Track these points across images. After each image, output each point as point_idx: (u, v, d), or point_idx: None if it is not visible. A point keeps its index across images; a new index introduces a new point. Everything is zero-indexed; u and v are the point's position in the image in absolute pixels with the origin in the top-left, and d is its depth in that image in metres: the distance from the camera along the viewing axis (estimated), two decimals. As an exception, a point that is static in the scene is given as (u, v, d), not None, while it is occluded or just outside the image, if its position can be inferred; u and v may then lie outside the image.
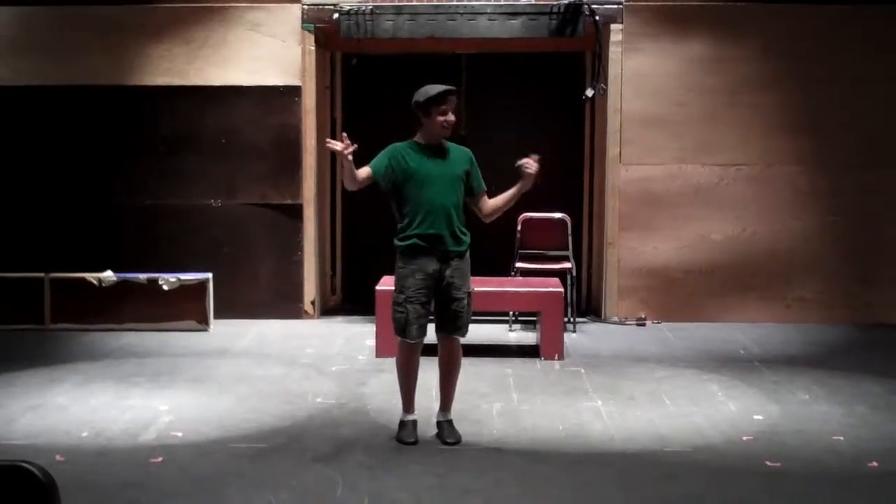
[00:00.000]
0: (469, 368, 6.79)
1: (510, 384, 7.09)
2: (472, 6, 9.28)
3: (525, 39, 9.41)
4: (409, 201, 5.64)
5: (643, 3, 9.30)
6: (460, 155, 5.78)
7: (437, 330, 5.77)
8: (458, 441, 5.72)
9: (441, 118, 5.63)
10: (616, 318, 9.26)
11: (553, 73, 10.21)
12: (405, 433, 5.77)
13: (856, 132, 9.22)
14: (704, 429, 6.12)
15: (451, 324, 5.70)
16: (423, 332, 5.71)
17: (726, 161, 9.32)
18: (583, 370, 7.49)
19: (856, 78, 9.22)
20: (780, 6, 9.23)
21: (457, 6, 9.28)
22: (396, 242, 5.69)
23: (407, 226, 5.65)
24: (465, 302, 5.69)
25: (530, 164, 5.66)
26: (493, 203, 5.82)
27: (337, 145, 5.53)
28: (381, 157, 5.72)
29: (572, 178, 9.98)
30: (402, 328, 5.67)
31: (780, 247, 9.28)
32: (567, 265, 8.94)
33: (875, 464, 5.52)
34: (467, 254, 5.75)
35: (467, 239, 5.73)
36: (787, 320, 9.15)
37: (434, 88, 5.64)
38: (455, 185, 5.69)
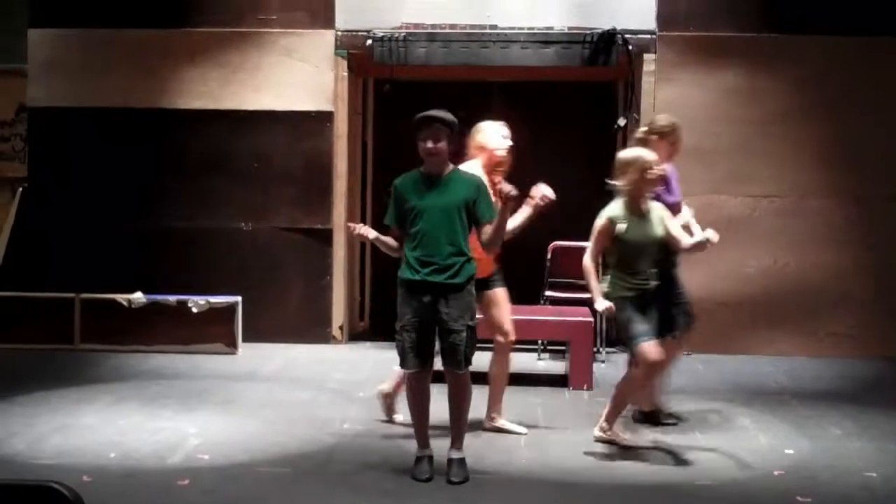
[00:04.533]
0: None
1: (538, 413, 7.04)
2: (506, 34, 9.30)
3: (558, 68, 9.42)
4: (407, 232, 5.60)
5: (676, 34, 9.29)
6: (465, 185, 5.61)
7: (442, 363, 5.63)
8: (463, 480, 5.51)
9: (422, 144, 5.55)
10: (646, 349, 9.19)
11: (585, 103, 10.20)
12: (418, 470, 5.61)
13: (890, 164, 9.14)
14: (734, 462, 6.06)
15: (450, 357, 5.55)
16: (423, 363, 5.57)
17: (759, 192, 9.26)
18: (603, 399, 7.42)
19: (891, 110, 9.15)
20: (815, 37, 9.19)
21: (490, 34, 9.30)
22: (400, 269, 5.66)
23: (405, 256, 5.60)
24: (464, 335, 5.50)
25: (537, 198, 5.61)
26: (485, 231, 5.59)
27: (363, 230, 5.69)
28: (390, 210, 5.72)
29: (604, 207, 9.91)
30: (402, 357, 5.62)
31: (812, 279, 9.20)
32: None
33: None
34: (467, 286, 5.56)
35: (466, 271, 5.54)
36: (819, 354, 9.04)
37: (421, 114, 5.58)
38: (451, 217, 5.51)
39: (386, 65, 9.35)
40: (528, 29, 9.33)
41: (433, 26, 9.37)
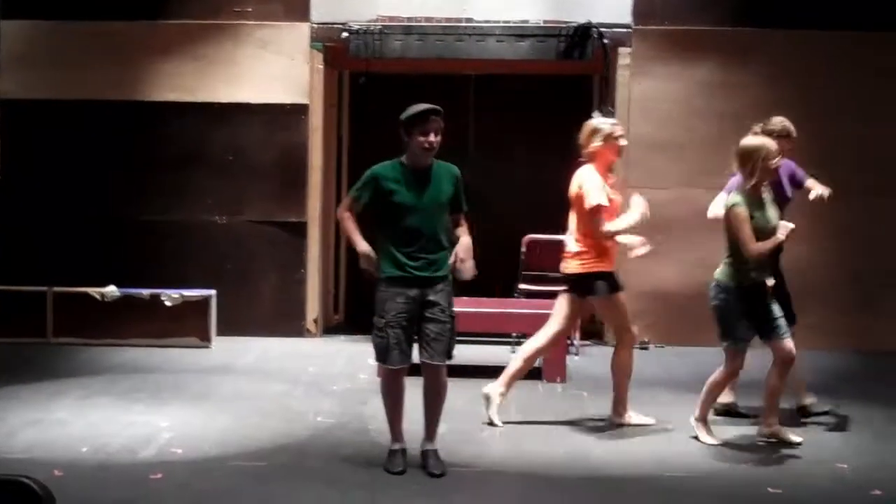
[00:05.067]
0: (472, 390, 6.78)
1: (512, 406, 7.05)
2: (481, 27, 9.31)
3: (533, 61, 9.44)
4: (391, 227, 5.50)
5: (652, 28, 9.32)
6: (447, 177, 5.61)
7: (421, 356, 5.56)
8: (444, 473, 5.51)
9: (422, 139, 5.43)
10: (619, 342, 9.22)
11: (561, 96, 10.21)
12: (392, 463, 5.60)
13: (863, 158, 9.20)
14: (706, 454, 6.10)
15: (435, 348, 5.50)
16: (406, 358, 5.53)
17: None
18: (585, 393, 7.47)
19: (864, 104, 9.22)
20: (789, 31, 9.25)
21: (465, 27, 9.31)
22: (378, 265, 5.54)
23: (388, 250, 5.51)
24: (449, 326, 5.53)
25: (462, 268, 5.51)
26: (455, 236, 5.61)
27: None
28: (364, 191, 5.58)
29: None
30: (383, 354, 5.53)
31: (786, 273, 9.22)
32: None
33: (879, 492, 5.48)
34: (450, 277, 5.59)
35: (448, 262, 5.54)
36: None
37: (417, 107, 5.48)
38: (440, 212, 5.55)
39: (361, 58, 9.34)
40: (504, 22, 9.34)
41: (409, 19, 9.37)
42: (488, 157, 9.96)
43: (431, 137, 5.44)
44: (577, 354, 8.70)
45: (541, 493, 5.35)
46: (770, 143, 6.19)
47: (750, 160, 6.10)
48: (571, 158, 9.94)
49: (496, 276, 8.63)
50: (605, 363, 8.44)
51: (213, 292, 9.04)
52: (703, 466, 5.86)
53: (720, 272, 6.23)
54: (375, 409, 6.81)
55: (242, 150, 9.44)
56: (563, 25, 9.27)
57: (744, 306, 6.14)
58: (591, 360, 8.66)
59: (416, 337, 5.56)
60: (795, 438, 6.30)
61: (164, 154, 9.46)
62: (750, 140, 6.26)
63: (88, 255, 9.37)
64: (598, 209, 6.43)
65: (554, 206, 9.43)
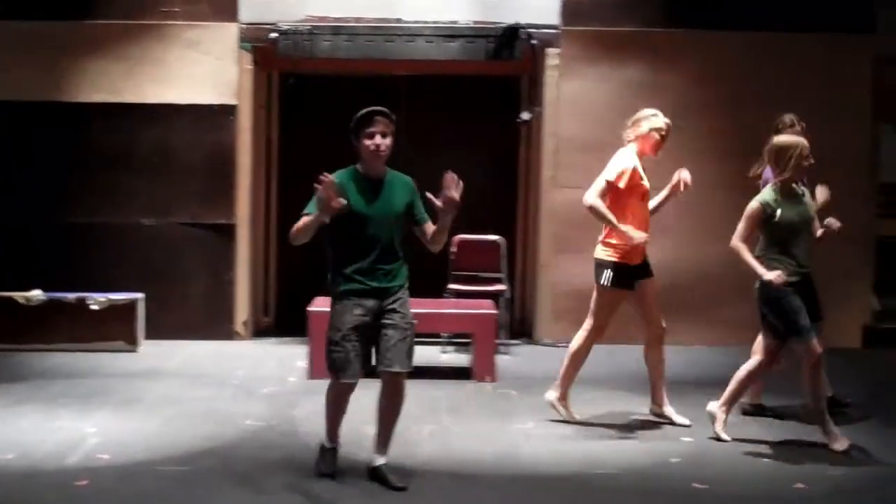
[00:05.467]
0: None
1: (442, 406, 7.08)
2: (410, 28, 9.32)
3: (462, 62, 9.47)
4: (345, 238, 5.27)
5: (580, 29, 9.39)
6: (402, 187, 5.42)
7: (380, 366, 5.36)
8: (406, 487, 5.36)
9: (368, 142, 5.24)
10: (548, 341, 9.29)
11: (490, 96, 10.25)
12: (325, 463, 5.53)
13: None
14: (634, 451, 6.18)
15: (395, 355, 5.29)
16: (361, 373, 5.36)
17: (660, 185, 9.36)
18: (514, 392, 7.51)
19: (789, 104, 9.34)
20: (717, 33, 9.38)
21: (395, 28, 9.32)
22: (331, 279, 5.37)
23: (342, 263, 5.30)
24: (409, 333, 5.36)
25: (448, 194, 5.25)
26: (431, 231, 5.40)
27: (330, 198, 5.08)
28: (314, 203, 5.26)
29: (507, 200, 10.02)
30: (339, 368, 5.30)
31: (711, 270, 9.37)
32: (501, 287, 8.97)
33: (801, 486, 5.59)
34: (407, 286, 5.44)
35: (405, 271, 5.43)
36: (717, 342, 9.22)
37: (363, 110, 5.29)
38: (397, 223, 5.35)
39: (291, 58, 9.30)
40: (433, 23, 9.36)
41: (338, 19, 9.35)
42: (419, 157, 9.93)
43: (378, 140, 5.25)
44: (506, 353, 8.72)
45: (470, 493, 5.37)
46: (804, 141, 6.36)
47: (785, 156, 6.28)
48: (501, 158, 10.07)
49: (426, 277, 8.63)
50: (535, 362, 8.58)
51: (140, 295, 8.95)
52: (631, 463, 5.93)
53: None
54: (306, 412, 6.82)
55: (170, 151, 9.35)
56: (492, 26, 9.31)
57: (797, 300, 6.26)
58: (521, 359, 8.71)
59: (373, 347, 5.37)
60: (725, 437, 6.42)
61: (90, 156, 9.33)
62: (786, 137, 6.49)
63: (13, 259, 9.21)
64: (610, 185, 6.57)
65: (484, 207, 9.51)
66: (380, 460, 5.50)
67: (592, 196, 6.55)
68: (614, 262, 6.58)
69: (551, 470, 5.79)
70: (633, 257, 6.61)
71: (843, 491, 5.56)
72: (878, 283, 9.63)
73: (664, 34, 9.42)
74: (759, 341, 6.66)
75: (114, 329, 8.80)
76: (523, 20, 9.31)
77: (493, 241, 9.25)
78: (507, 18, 9.32)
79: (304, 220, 5.22)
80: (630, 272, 6.62)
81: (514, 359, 8.61)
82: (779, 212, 6.24)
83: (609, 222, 6.54)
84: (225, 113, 9.32)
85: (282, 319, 10.08)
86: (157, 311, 9.09)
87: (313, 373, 7.66)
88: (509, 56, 9.33)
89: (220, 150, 9.35)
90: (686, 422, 6.74)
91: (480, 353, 7.88)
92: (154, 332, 9.01)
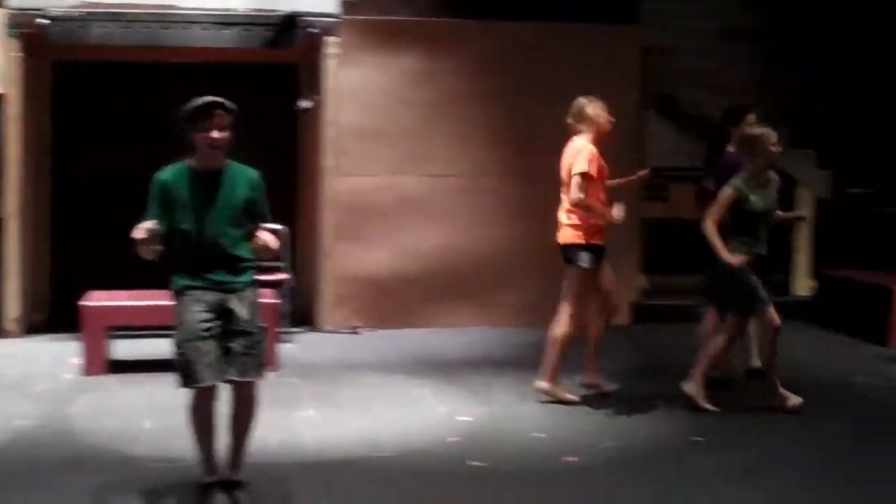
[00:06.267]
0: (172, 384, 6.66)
1: (223, 395, 7.02)
2: (187, 15, 9.15)
3: (240, 50, 9.38)
4: (182, 234, 4.97)
5: (359, 18, 9.45)
6: (243, 180, 5.11)
7: (229, 374, 5.00)
8: None
9: (205, 135, 4.93)
10: (330, 328, 9.35)
11: (269, 85, 10.19)
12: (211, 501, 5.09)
13: (560, 147, 9.64)
14: (413, 433, 6.32)
15: (246, 364, 4.99)
16: (216, 374, 4.95)
17: (437, 172, 9.61)
18: (296, 380, 7.53)
19: (564, 94, 9.63)
20: (492, 22, 9.60)
21: (171, 14, 9.13)
22: (173, 276, 5.05)
23: (183, 259, 5.01)
24: (259, 338, 5.07)
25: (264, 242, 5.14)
26: (255, 239, 5.12)
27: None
28: (154, 206, 4.99)
29: (288, 188, 10.00)
30: (187, 373, 4.93)
31: (487, 254, 9.64)
32: (282, 276, 8.96)
33: (573, 459, 5.86)
34: (254, 285, 5.16)
35: (251, 271, 5.15)
36: (494, 324, 9.50)
37: (198, 101, 4.99)
38: (232, 216, 5.03)
39: (63, 45, 8.99)
40: (210, 10, 9.22)
41: (112, 5, 9.08)
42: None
43: (215, 134, 4.92)
44: (289, 342, 8.72)
45: (252, 481, 5.36)
46: (770, 131, 6.85)
47: (755, 144, 6.78)
48: (281, 147, 10.04)
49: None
50: (317, 349, 8.62)
51: None
52: (410, 445, 6.07)
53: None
54: (81, 409, 6.66)
55: (-68, 142, 8.91)
56: (270, 14, 9.25)
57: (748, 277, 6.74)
58: (304, 347, 8.73)
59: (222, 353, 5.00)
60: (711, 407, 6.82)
61: None
62: (753, 129, 6.98)
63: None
64: (586, 176, 6.74)
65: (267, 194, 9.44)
66: (232, 475, 5.20)
67: (577, 194, 6.74)
68: (588, 244, 6.84)
69: (333, 456, 5.87)
70: (600, 237, 6.89)
71: (614, 462, 5.85)
72: (645, 262, 10.11)
73: (441, 24, 9.59)
74: (710, 320, 7.32)
75: None
76: (302, 9, 9.28)
77: (274, 230, 9.18)
78: (286, 7, 9.28)
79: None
80: (599, 251, 6.89)
81: (297, 347, 8.63)
82: (750, 198, 6.72)
83: (597, 211, 6.81)
84: (-9, 102, 8.94)
85: (56, 315, 9.74)
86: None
87: (88, 369, 7.53)
88: (287, 44, 9.31)
89: (-13, 140, 8.96)
90: (612, 387, 7.17)
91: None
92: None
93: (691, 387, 6.85)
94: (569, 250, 6.89)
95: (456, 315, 9.56)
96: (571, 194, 6.78)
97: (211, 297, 4.98)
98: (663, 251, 10.19)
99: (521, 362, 8.15)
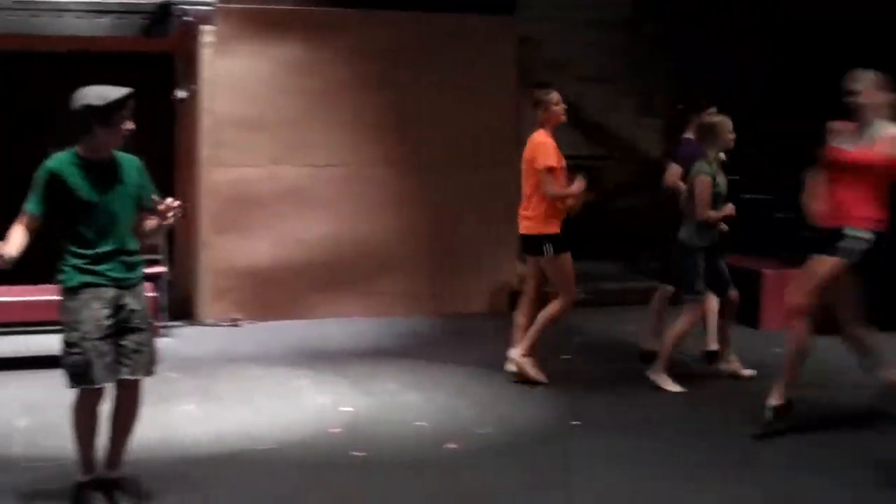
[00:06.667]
0: (45, 380, 6.56)
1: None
2: (58, 2, 8.94)
3: (114, 38, 9.21)
4: (77, 227, 4.82)
5: (235, 6, 9.34)
6: (132, 168, 5.00)
7: (119, 372, 4.89)
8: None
9: (126, 125, 4.85)
10: (211, 321, 9.26)
11: (145, 74, 10.00)
12: (86, 499, 4.99)
13: (441, 136, 9.75)
14: (294, 424, 6.32)
15: (137, 361, 4.90)
16: (111, 374, 4.85)
17: (319, 162, 9.58)
18: (176, 374, 7.42)
19: (443, 84, 9.76)
20: (372, 11, 9.59)
21: (41, 3, 8.90)
22: (64, 272, 4.86)
23: (78, 253, 4.83)
24: (150, 335, 5.00)
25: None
26: (142, 227, 5.05)
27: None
28: (37, 197, 4.83)
29: (165, 179, 9.81)
30: (82, 373, 4.78)
31: (370, 243, 9.66)
32: (159, 269, 8.83)
33: (453, 445, 5.94)
34: (143, 279, 5.07)
35: (141, 264, 5.06)
36: (377, 314, 9.52)
37: (113, 91, 4.87)
38: (129, 206, 4.93)
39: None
40: (83, -3, 9.03)
41: (-23, -7, 8.83)
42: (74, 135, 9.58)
43: (130, 126, 4.88)
44: (167, 336, 8.60)
45: (132, 480, 5.28)
46: (726, 119, 7.27)
47: (715, 132, 7.20)
48: (157, 137, 9.87)
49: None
50: (197, 343, 8.53)
51: None
52: (291, 437, 6.07)
53: (684, 233, 7.15)
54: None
55: None
56: (145, 2, 9.09)
57: (705, 264, 7.12)
58: (183, 340, 8.63)
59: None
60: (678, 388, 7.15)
61: None
62: (713, 118, 7.34)
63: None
64: (548, 170, 6.99)
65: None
66: (111, 473, 5.11)
67: (551, 188, 7.00)
68: (549, 234, 7.05)
69: (213, 449, 5.83)
70: (559, 224, 7.09)
71: (493, 447, 5.95)
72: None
73: (320, 12, 9.54)
74: (660, 299, 7.77)
75: None
76: (177, -3, 9.16)
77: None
78: (161, -6, 9.15)
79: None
80: (559, 238, 7.08)
81: (175, 341, 8.52)
82: (717, 181, 7.15)
83: (568, 195, 7.08)
84: None
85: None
86: None
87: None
88: (162, 33, 9.17)
89: None
90: (544, 379, 7.24)
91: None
92: None
93: (656, 371, 7.17)
94: (531, 241, 7.17)
95: (339, 305, 9.55)
96: (546, 188, 7.02)
97: (109, 293, 4.84)
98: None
99: (404, 352, 8.22)
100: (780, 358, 6.51)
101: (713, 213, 7.12)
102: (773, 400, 6.17)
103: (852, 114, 6.05)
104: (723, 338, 7.62)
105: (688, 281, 7.18)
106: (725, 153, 7.33)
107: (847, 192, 5.98)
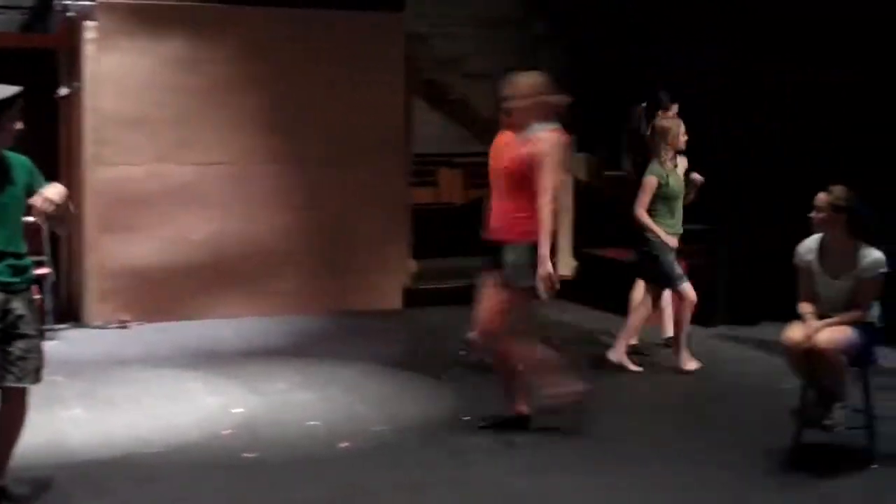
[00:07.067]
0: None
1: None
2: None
3: (-6, 35, 8.99)
4: None
5: (117, 2, 9.17)
6: (20, 167, 4.89)
7: (4, 379, 4.81)
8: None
9: (16, 125, 4.82)
10: (98, 323, 9.07)
11: (26, 71, 9.74)
12: None
13: (326, 132, 9.71)
14: (184, 427, 6.25)
15: (22, 368, 4.80)
16: (4, 378, 4.79)
17: (206, 160, 9.46)
18: (61, 378, 7.25)
19: (332, 80, 9.71)
20: (257, 8, 9.49)
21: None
22: None
23: None
24: (38, 342, 4.89)
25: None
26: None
27: None
28: None
29: (49, 178, 9.58)
30: None
31: (260, 242, 9.56)
32: (43, 271, 8.62)
33: (346, 444, 5.95)
34: (31, 286, 4.98)
35: (31, 268, 5.00)
36: (268, 313, 9.40)
37: (2, 90, 4.78)
38: (17, 207, 4.82)
39: None
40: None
41: None
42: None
43: (20, 124, 4.82)
44: (53, 339, 8.40)
45: (16, 487, 5.16)
46: (678, 122, 7.65)
47: (668, 134, 7.51)
48: (40, 135, 9.62)
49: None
50: (83, 346, 8.35)
51: None
52: (181, 440, 6.01)
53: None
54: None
55: None
56: (24, -3, 8.91)
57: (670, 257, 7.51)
58: (69, 343, 8.44)
59: None
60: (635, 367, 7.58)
61: None
62: (664, 121, 7.69)
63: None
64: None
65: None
66: (3, 481, 5.01)
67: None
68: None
69: (99, 454, 5.75)
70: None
71: (387, 445, 5.98)
72: (414, 247, 10.28)
73: (206, 8, 9.41)
74: (637, 297, 7.86)
75: None
76: (59, -9, 8.97)
77: (33, 223, 8.84)
78: (41, -10, 8.96)
79: None
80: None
81: (62, 344, 8.33)
82: (669, 182, 7.44)
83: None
84: None
85: None
86: None
87: None
88: (43, 29, 8.97)
89: None
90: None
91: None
92: None
93: (617, 353, 7.56)
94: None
95: (229, 305, 9.45)
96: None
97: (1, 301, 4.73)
98: (432, 235, 10.42)
99: (295, 351, 8.18)
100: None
101: (645, 218, 7.40)
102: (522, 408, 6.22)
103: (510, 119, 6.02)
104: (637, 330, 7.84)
105: (664, 275, 7.49)
106: (679, 154, 7.64)
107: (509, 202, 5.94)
